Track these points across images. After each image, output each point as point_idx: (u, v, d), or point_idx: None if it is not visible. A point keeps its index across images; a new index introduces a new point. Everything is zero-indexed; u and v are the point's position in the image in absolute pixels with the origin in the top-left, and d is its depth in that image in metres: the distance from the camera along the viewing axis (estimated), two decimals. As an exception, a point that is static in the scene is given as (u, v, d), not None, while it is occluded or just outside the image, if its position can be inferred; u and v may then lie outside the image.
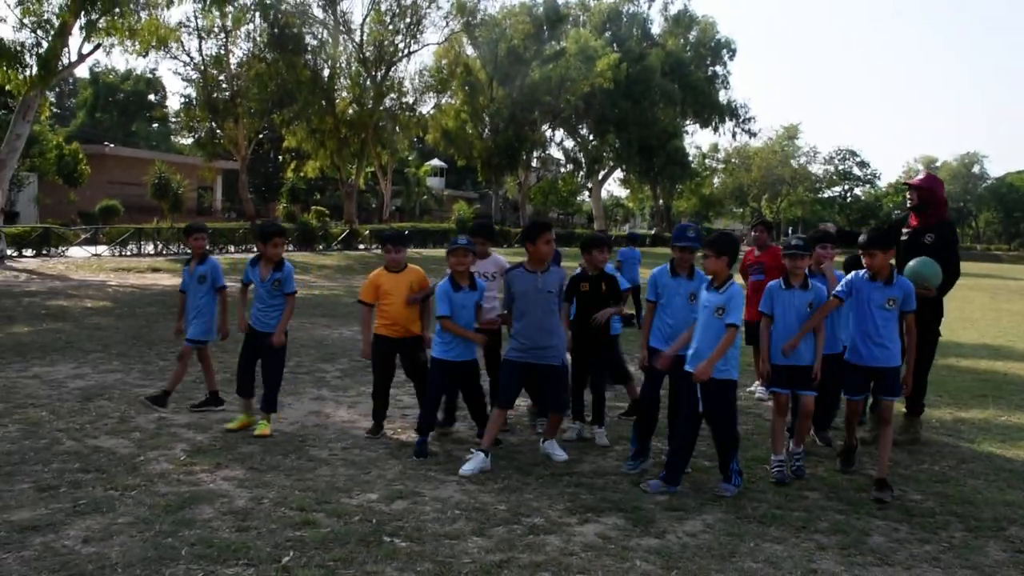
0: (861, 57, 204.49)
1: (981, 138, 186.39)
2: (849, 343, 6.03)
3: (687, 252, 6.04)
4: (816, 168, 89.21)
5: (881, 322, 5.76)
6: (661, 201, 75.48)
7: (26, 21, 24.46)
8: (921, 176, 7.36)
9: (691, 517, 5.22)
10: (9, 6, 26.40)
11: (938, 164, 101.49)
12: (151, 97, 76.42)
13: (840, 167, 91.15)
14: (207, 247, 8.08)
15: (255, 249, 7.82)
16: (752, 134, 72.98)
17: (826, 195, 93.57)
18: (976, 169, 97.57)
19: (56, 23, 24.51)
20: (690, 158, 71.39)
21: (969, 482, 6.14)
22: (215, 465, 5.98)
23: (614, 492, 5.64)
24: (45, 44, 24.56)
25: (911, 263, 6.44)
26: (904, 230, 7.19)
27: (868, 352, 5.82)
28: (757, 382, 8.89)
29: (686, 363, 5.72)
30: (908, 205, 7.25)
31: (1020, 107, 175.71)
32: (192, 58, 37.53)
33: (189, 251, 8.09)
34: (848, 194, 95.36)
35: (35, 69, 24.38)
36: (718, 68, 68.60)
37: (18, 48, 24.27)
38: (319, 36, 40.31)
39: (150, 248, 30.65)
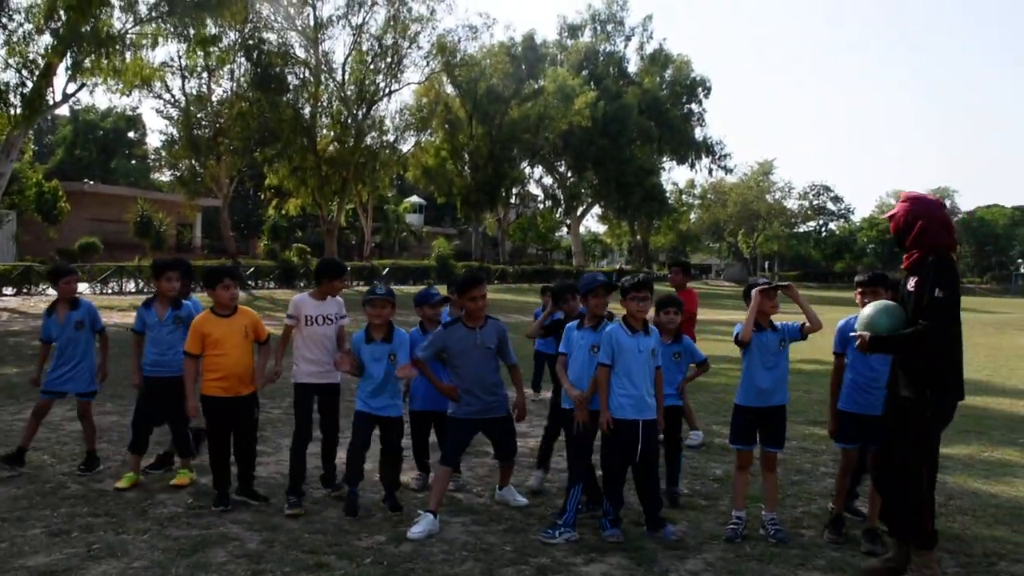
0: (833, 94, 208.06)
1: (952, 173, 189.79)
2: (844, 390, 5.85)
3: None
4: (791, 203, 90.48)
5: (878, 366, 5.59)
6: (639, 237, 76.16)
7: (11, 61, 24.54)
8: (898, 205, 5.26)
9: (692, 556, 5.36)
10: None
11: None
12: (131, 134, 76.45)
13: (814, 202, 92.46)
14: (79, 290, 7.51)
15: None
16: (728, 170, 74.14)
17: (801, 230, 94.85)
18: (947, 203, 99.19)
19: (41, 63, 24.60)
20: (667, 194, 72.17)
21: (958, 518, 6.33)
22: (223, 508, 6.06)
23: (588, 531, 5.75)
24: (30, 84, 24.63)
25: (865, 309, 5.23)
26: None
27: (863, 399, 5.68)
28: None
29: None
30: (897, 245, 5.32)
31: (989, 143, 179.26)
32: (174, 96, 37.78)
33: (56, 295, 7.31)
34: (823, 229, 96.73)
35: (19, 108, 24.43)
36: (693, 106, 69.76)
37: (2, 88, 24.35)
38: (301, 76, 40.67)
39: (132, 286, 30.58)
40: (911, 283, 5.02)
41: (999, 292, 78.89)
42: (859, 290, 5.87)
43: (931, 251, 4.99)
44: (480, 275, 6.44)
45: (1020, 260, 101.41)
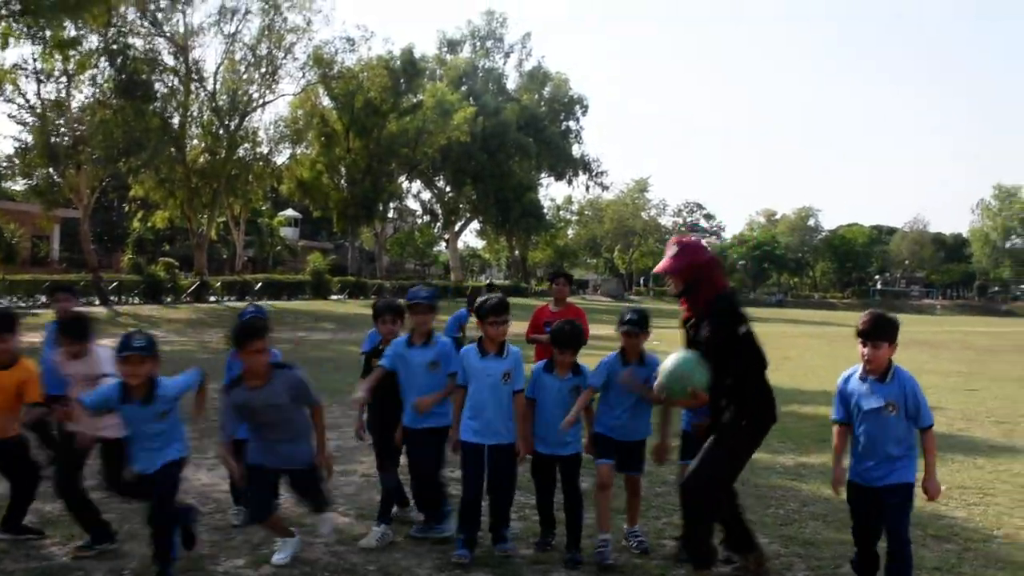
0: (705, 114, 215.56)
1: (816, 192, 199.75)
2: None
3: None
4: (666, 220, 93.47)
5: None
6: (517, 252, 76.94)
7: None
8: (671, 255, 5.14)
9: (555, 570, 5.38)
10: None
11: (778, 216, 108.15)
12: (-20, 140, 72.15)
13: (688, 219, 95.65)
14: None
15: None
16: (604, 187, 75.92)
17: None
18: (812, 222, 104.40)
19: None
20: (545, 210, 73.25)
21: (810, 524, 6.57)
22: (67, 537, 5.71)
23: (480, 549, 5.64)
24: None
25: (665, 363, 5.09)
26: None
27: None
28: None
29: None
30: (674, 293, 5.31)
31: (850, 164, 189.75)
32: (29, 101, 35.62)
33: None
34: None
35: None
36: (571, 123, 71.18)
37: None
38: (170, 84, 39.34)
39: (-19, 302, 28.74)
40: (705, 329, 5.00)
41: (858, 306, 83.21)
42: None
43: (715, 292, 5.06)
44: (260, 324, 5.31)
45: (877, 276, 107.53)
